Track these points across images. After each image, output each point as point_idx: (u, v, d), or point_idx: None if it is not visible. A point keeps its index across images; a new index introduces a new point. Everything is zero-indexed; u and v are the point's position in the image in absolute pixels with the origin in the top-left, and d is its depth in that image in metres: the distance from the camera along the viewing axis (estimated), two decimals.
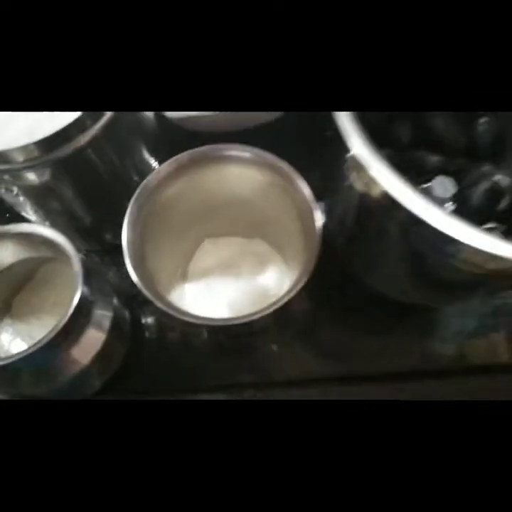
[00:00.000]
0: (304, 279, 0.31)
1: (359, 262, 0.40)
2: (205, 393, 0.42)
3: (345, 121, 0.27)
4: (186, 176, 0.34)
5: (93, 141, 0.34)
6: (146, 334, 0.45)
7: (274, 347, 0.43)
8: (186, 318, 0.30)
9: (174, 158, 0.33)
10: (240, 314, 0.31)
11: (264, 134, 0.43)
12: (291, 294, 0.30)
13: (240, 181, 0.35)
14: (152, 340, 0.45)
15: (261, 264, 0.42)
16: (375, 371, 0.42)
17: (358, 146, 0.26)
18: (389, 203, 0.25)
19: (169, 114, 0.46)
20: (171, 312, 0.30)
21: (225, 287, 0.41)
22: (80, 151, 0.34)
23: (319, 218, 0.33)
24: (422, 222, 0.24)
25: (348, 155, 0.27)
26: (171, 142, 0.46)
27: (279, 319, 0.44)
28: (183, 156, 0.33)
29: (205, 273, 0.42)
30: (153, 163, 0.45)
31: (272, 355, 0.43)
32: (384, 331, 0.44)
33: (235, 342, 0.44)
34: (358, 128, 0.27)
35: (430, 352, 0.43)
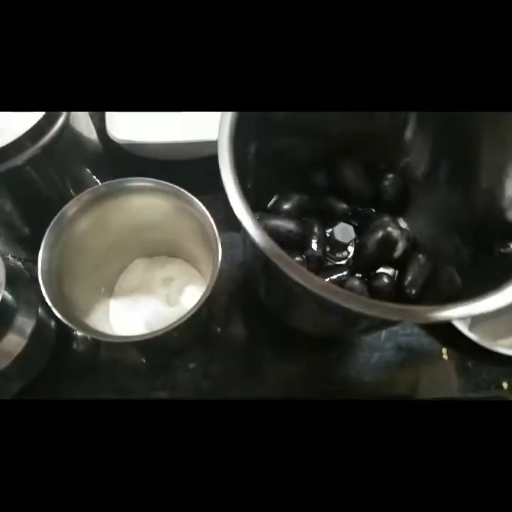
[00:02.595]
0: (206, 295, 0.32)
1: (274, 302, 0.42)
2: None
3: (229, 184, 0.27)
4: (103, 204, 0.37)
5: (32, 161, 0.36)
6: (74, 345, 0.47)
7: (192, 366, 0.46)
8: (89, 334, 0.33)
9: (91, 188, 0.36)
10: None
11: (204, 164, 0.46)
12: (193, 311, 0.32)
13: (150, 208, 0.39)
14: (77, 352, 0.47)
15: (186, 283, 0.45)
16: (285, 395, 0.45)
17: (238, 210, 0.26)
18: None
19: (115, 138, 0.49)
20: (72, 326, 0.32)
21: (146, 305, 0.43)
22: (18, 168, 0.36)
23: (217, 238, 0.35)
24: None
25: None
26: (116, 165, 0.49)
27: (196, 339, 0.46)
28: (100, 187, 0.37)
29: (130, 292, 0.45)
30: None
31: (189, 373, 0.46)
32: (298, 358, 0.47)
33: (153, 359, 0.47)
34: (240, 191, 0.27)
35: (340, 379, 0.46)
